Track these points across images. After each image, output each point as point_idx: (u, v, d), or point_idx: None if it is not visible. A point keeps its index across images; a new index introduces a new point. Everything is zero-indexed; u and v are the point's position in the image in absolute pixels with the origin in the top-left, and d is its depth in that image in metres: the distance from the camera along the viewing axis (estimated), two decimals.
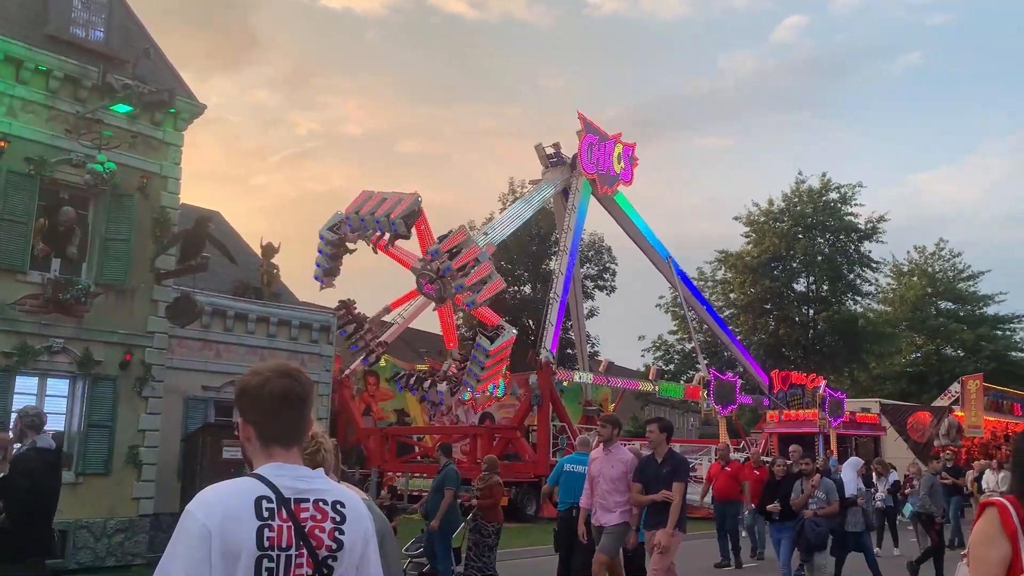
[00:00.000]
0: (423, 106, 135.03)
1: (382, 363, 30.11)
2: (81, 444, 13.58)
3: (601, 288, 44.60)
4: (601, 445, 8.61)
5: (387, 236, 22.24)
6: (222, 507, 2.03)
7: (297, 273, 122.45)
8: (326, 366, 19.91)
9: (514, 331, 23.00)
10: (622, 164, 30.39)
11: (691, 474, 25.44)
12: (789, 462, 11.53)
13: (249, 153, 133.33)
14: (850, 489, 12.34)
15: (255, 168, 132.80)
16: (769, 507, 10.91)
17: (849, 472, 13.10)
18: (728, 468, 15.03)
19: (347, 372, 28.16)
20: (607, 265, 44.61)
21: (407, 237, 22.62)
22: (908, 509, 15.58)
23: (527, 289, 44.51)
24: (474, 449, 24.09)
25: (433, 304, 32.81)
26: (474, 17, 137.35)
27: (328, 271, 23.61)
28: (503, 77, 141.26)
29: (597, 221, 51.63)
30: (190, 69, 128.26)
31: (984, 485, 19.81)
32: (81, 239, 13.96)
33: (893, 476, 16.75)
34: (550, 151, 29.40)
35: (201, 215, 16.08)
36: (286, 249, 59.42)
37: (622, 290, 47.32)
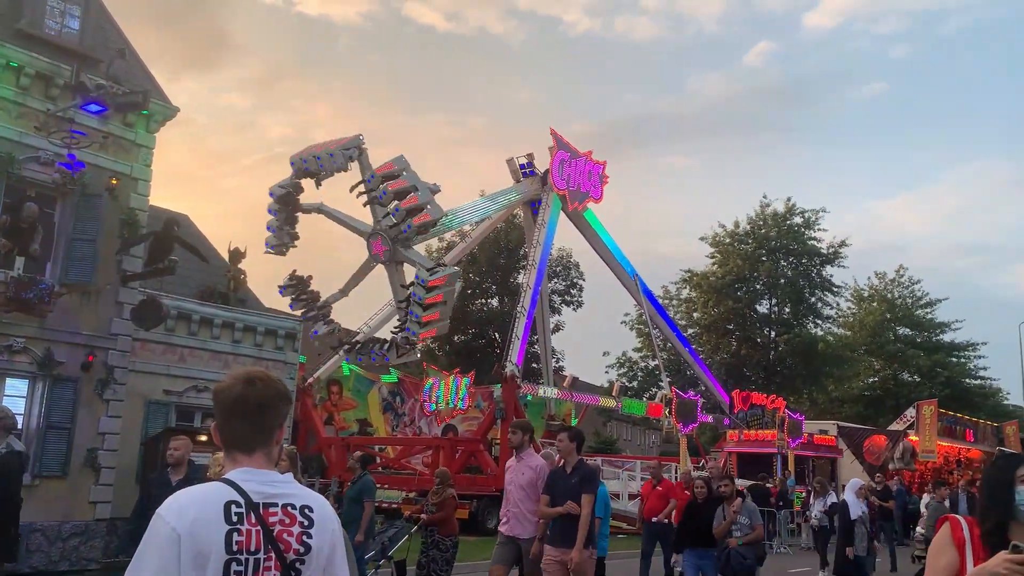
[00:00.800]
0: (394, 114, 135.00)
1: (346, 372, 30.02)
2: (38, 445, 13.37)
3: (568, 303, 44.90)
4: (513, 453, 8.18)
5: (324, 172, 20.99)
6: (192, 512, 2.06)
7: (264, 279, 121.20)
8: (290, 374, 19.81)
9: (456, 269, 21.97)
10: (592, 181, 30.70)
11: None
12: (708, 479, 10.46)
13: (218, 155, 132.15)
14: (855, 512, 11.67)
15: (224, 171, 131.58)
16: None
17: (851, 495, 12.35)
18: (659, 487, 13.83)
19: (310, 380, 28.00)
20: (575, 281, 44.92)
21: (345, 170, 21.53)
22: None
23: (494, 302, 44.64)
24: (436, 461, 24.05)
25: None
26: (448, 29, 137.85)
27: (279, 234, 21.70)
28: (475, 89, 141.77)
29: (566, 237, 51.94)
30: (160, 68, 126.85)
31: (923, 509, 20.20)
32: (47, 238, 13.79)
33: (831, 498, 16.44)
34: (523, 161, 29.59)
35: (170, 217, 16.00)
36: (253, 254, 58.82)
37: (589, 306, 47.71)
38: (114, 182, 14.44)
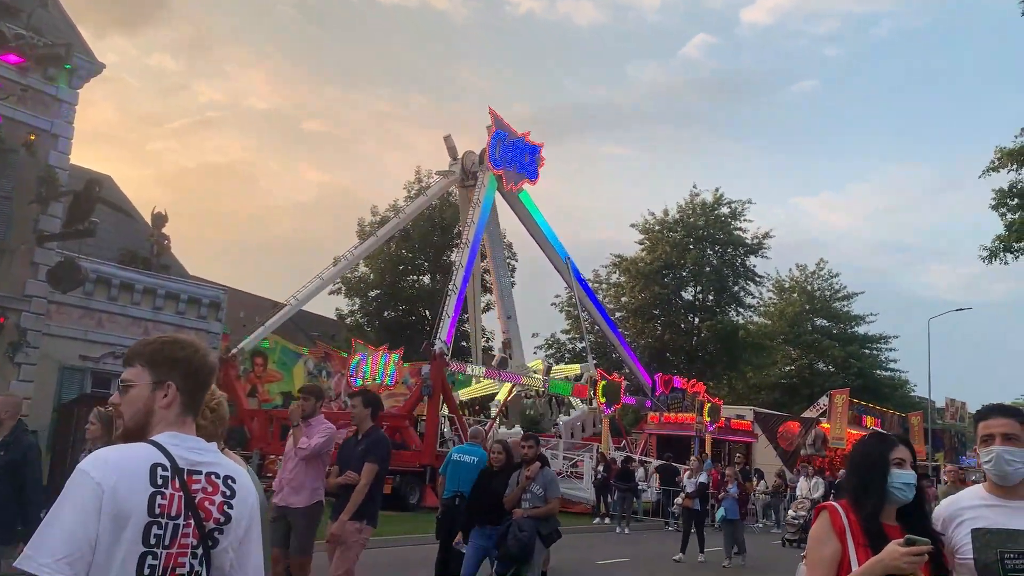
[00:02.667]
0: (332, 86, 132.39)
1: (269, 344, 29.56)
2: None
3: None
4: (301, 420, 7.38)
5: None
6: (118, 470, 2.04)
7: (189, 245, 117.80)
8: (213, 343, 19.49)
9: None
10: (528, 162, 30.83)
11: (573, 470, 26.35)
12: (508, 445, 8.81)
13: (146, 118, 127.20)
14: None
15: (151, 134, 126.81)
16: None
17: None
18: None
19: (234, 351, 27.50)
20: (507, 261, 45.05)
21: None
22: (721, 513, 15.28)
23: (426, 279, 44.50)
24: None
25: (327, 288, 32.65)
26: (391, 1, 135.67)
27: None
28: (414, 64, 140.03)
29: (500, 217, 52.01)
30: (87, 23, 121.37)
31: (798, 492, 20.87)
32: None
33: (702, 477, 16.14)
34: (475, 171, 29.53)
35: (92, 178, 15.47)
36: (179, 220, 57.15)
37: (520, 287, 47.95)
38: (32, 138, 13.89)
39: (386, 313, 43.40)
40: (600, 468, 23.21)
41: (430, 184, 37.21)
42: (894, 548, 2.60)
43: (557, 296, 45.65)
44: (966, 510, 3.01)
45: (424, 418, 24.37)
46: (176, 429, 2.21)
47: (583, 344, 39.54)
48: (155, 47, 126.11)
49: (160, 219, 20.95)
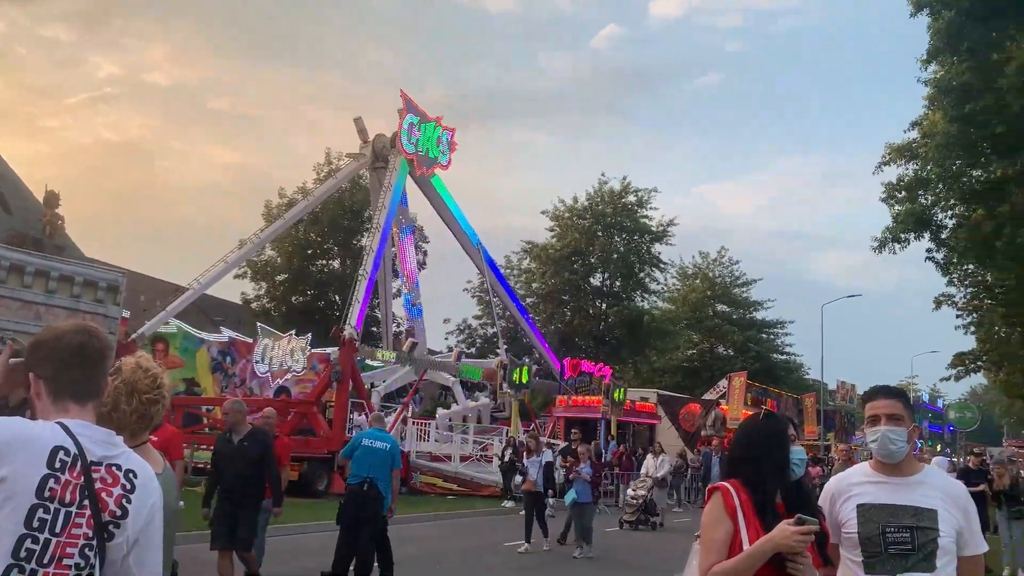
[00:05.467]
0: (238, 62, 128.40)
1: (174, 330, 28.71)
2: None
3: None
4: None
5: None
6: (15, 442, 1.97)
7: (86, 226, 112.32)
8: (111, 328, 18.79)
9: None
10: (441, 147, 30.76)
11: (483, 454, 26.64)
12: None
13: (38, 92, 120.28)
14: None
15: (44, 109, 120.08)
16: None
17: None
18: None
19: (133, 336, 26.58)
20: (419, 245, 44.91)
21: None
22: (571, 497, 13.71)
23: (336, 264, 43.94)
24: None
25: (232, 272, 31.89)
26: None
27: None
28: (325, 43, 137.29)
29: (412, 201, 51.70)
30: None
31: (643, 470, 21.32)
32: None
33: (547, 456, 14.82)
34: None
35: None
36: (76, 200, 54.59)
37: (432, 272, 47.85)
38: None
39: (294, 298, 42.68)
40: (509, 451, 23.56)
41: (340, 167, 36.69)
42: (784, 527, 2.72)
43: (469, 281, 45.84)
44: (854, 486, 3.18)
45: (333, 404, 24.18)
46: (61, 414, 2.12)
47: (494, 330, 39.89)
48: (49, 17, 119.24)
49: (53, 198, 20.07)
